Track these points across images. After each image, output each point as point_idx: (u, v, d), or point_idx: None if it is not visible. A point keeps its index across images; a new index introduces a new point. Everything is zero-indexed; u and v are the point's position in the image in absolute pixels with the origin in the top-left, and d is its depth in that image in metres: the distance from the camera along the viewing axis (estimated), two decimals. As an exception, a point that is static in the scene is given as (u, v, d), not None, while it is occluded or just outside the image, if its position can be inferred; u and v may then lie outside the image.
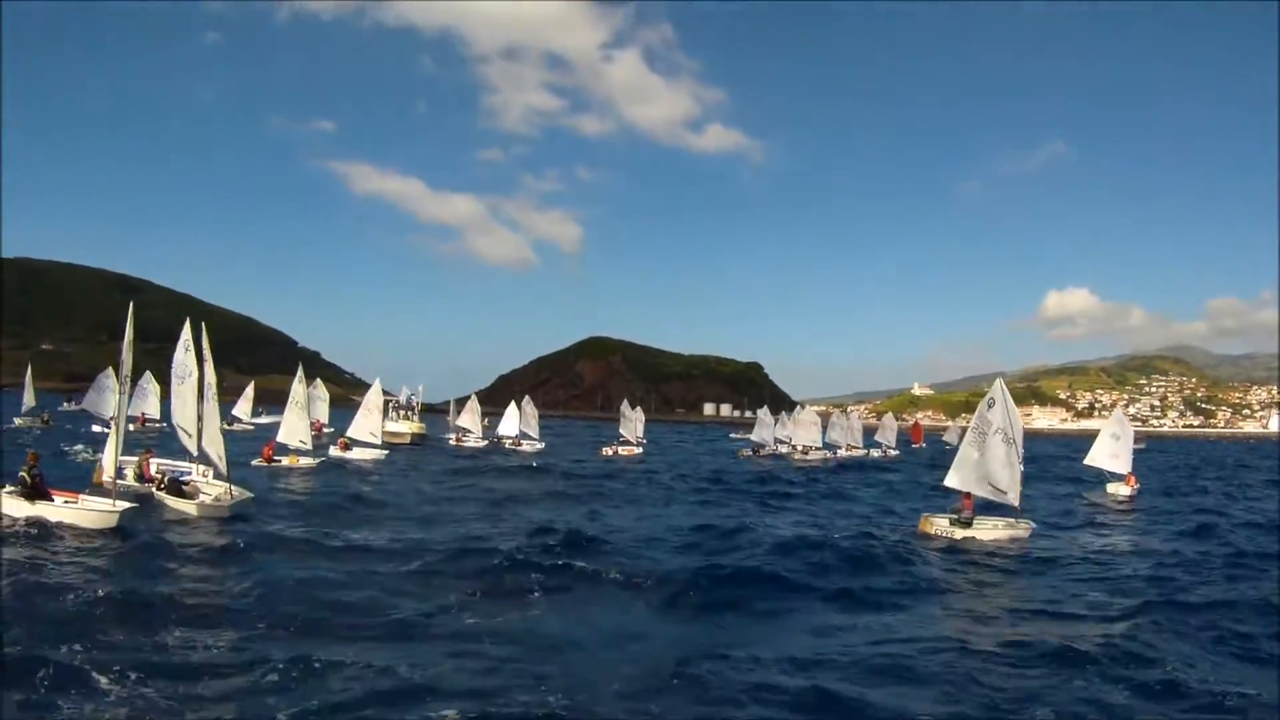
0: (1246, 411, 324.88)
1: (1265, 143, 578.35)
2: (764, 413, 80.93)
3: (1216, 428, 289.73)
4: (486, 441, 71.89)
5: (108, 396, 61.39)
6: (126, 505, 22.55)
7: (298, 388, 44.20)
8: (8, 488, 22.31)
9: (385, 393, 71.10)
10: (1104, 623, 16.82)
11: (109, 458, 24.83)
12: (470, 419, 74.73)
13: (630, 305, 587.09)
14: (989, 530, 28.56)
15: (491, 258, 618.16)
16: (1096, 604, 18.71)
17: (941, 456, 78.40)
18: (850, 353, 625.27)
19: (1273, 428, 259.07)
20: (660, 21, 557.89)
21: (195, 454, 27.42)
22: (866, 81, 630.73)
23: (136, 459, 30.62)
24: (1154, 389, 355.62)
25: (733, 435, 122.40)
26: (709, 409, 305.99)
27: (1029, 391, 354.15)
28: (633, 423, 74.52)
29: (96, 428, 57.50)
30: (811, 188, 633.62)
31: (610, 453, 67.69)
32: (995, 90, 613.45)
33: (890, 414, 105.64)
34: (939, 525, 28.92)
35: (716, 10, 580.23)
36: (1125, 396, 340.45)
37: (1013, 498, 28.60)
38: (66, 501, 22.43)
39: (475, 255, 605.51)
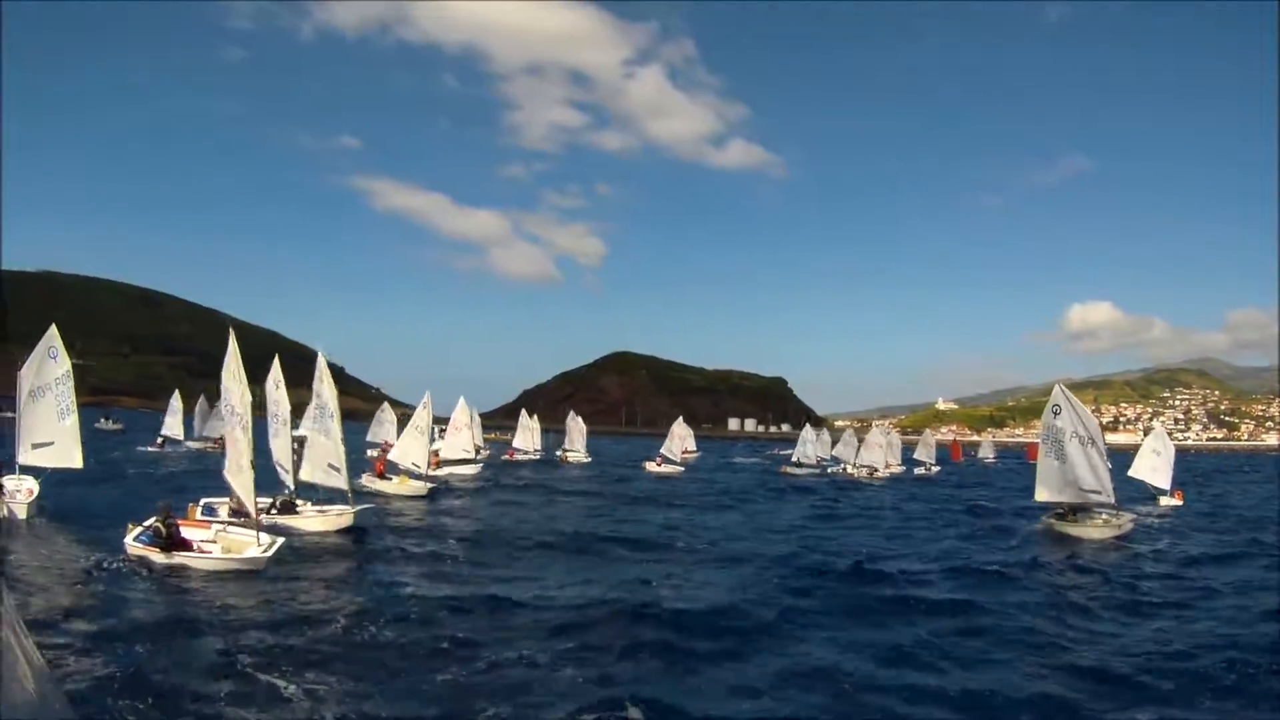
0: (1270, 424, 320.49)
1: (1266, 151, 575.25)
2: (808, 430, 79.81)
3: (1240, 440, 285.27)
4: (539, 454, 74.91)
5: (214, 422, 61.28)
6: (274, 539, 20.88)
7: (421, 412, 43.50)
8: (135, 534, 20.08)
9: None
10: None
11: (246, 494, 21.83)
12: (527, 437, 76.51)
13: (653, 320, 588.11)
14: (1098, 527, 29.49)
15: (514, 273, 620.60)
16: None
17: (986, 475, 77.13)
18: (873, 367, 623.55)
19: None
20: (682, 38, 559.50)
21: (292, 488, 26.02)
22: (888, 96, 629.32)
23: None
24: (1178, 402, 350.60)
25: (768, 452, 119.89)
26: (733, 424, 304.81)
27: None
28: (678, 440, 76.91)
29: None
30: (833, 202, 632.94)
31: (656, 466, 67.01)
32: (1015, 104, 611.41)
33: (929, 430, 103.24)
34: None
35: (738, 27, 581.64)
36: (1149, 410, 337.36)
37: (1105, 495, 29.10)
38: (203, 545, 20.29)
39: (498, 270, 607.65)
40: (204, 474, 39.12)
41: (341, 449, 26.91)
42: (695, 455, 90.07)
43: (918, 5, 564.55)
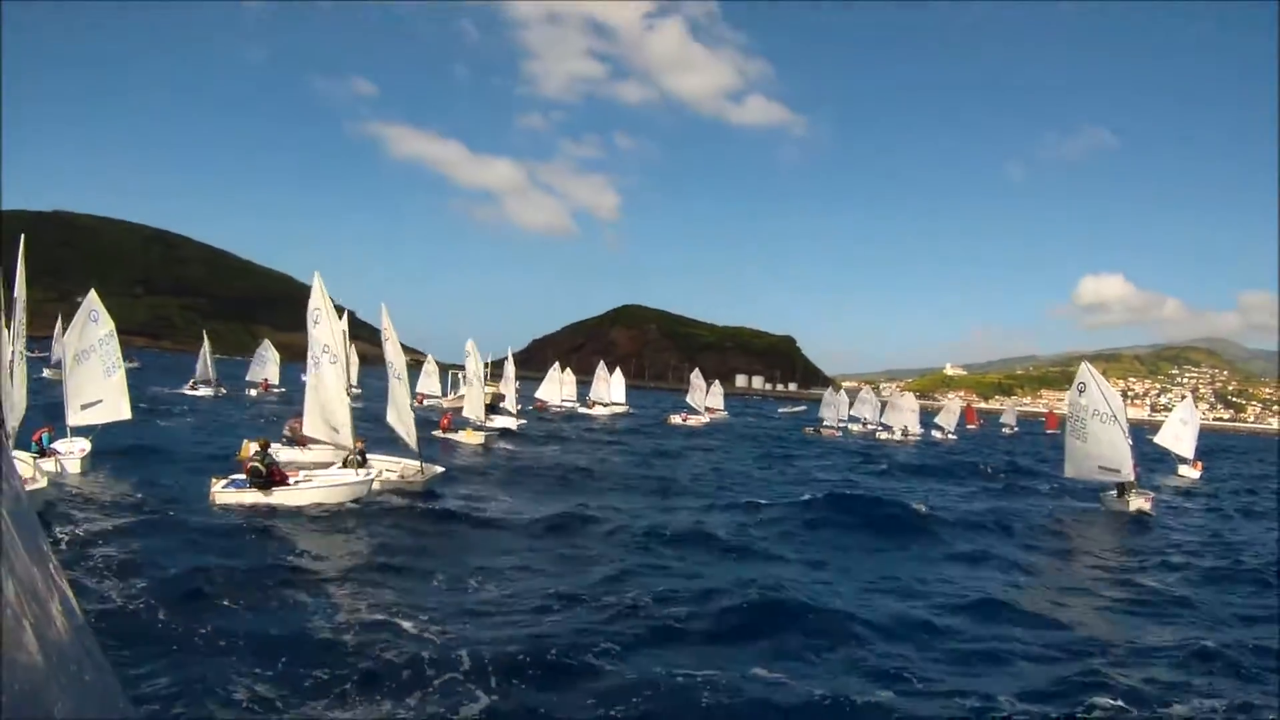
0: (1277, 407, 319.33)
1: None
2: (830, 392, 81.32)
3: (1247, 422, 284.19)
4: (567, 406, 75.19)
5: (269, 367, 69.63)
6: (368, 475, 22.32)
7: (470, 363, 44.20)
8: (226, 481, 20.24)
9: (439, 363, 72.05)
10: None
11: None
12: (552, 388, 76.56)
13: (665, 274, 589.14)
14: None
15: (529, 223, 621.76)
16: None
17: (1008, 442, 77.03)
18: (883, 330, 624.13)
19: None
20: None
21: (414, 448, 25.81)
22: (912, 62, 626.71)
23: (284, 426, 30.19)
24: (1186, 379, 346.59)
25: (781, 410, 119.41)
26: (740, 381, 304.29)
27: (1063, 376, 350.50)
28: (700, 392, 78.51)
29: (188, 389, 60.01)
30: (852, 165, 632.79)
31: (680, 420, 69.63)
32: (1040, 76, 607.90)
33: (953, 395, 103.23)
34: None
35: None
36: (1158, 386, 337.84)
37: (1126, 472, 29.15)
38: (298, 479, 21.08)
39: (513, 220, 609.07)
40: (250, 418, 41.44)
41: (407, 407, 26.10)
42: (721, 415, 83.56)
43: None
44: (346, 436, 23.73)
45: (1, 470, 1.33)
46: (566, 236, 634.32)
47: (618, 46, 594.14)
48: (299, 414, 26.94)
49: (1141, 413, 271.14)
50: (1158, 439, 48.80)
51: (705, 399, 79.18)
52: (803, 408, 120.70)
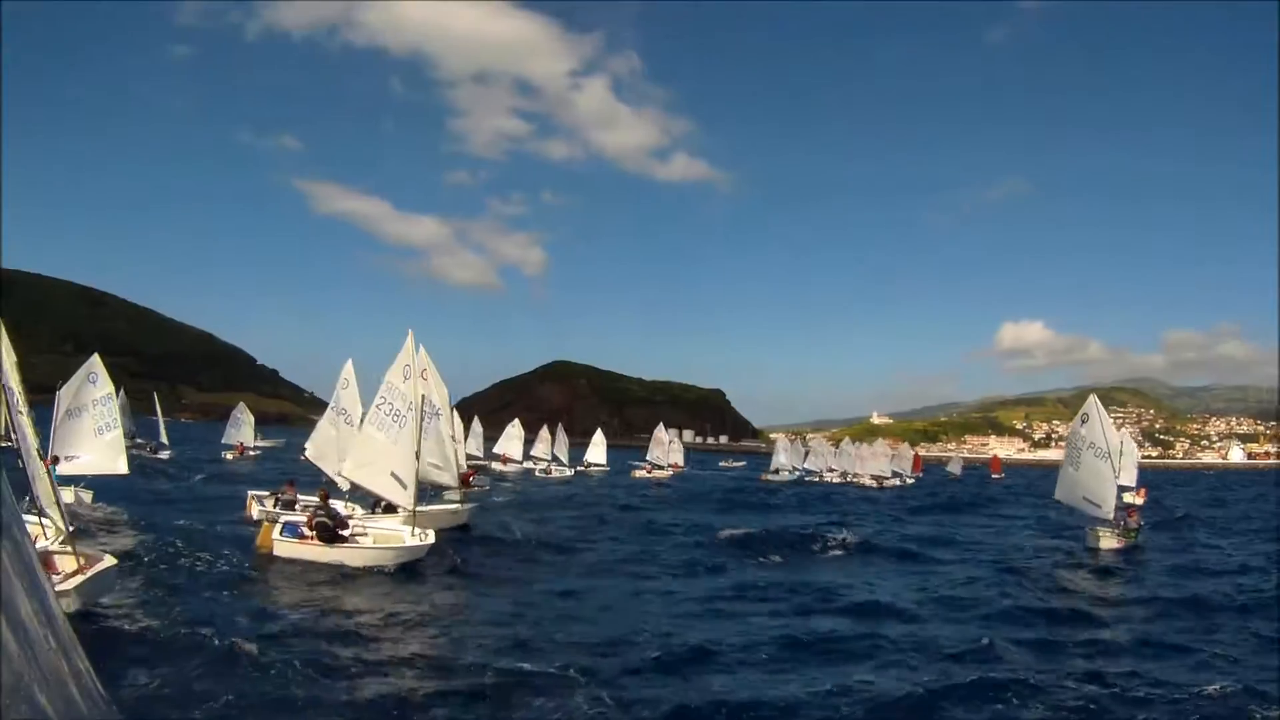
0: (1205, 442, 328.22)
1: (1216, 180, 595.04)
2: (782, 440, 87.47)
3: (1176, 459, 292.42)
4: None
5: (244, 430, 69.09)
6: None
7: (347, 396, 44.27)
8: (281, 525, 19.72)
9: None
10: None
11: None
12: (513, 446, 73.23)
13: (593, 330, 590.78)
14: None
15: (456, 280, 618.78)
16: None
17: (980, 487, 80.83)
18: (808, 381, 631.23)
19: (1233, 459, 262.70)
20: (628, 51, 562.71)
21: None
22: (833, 114, 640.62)
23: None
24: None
25: (721, 464, 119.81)
26: (669, 434, 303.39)
27: (986, 422, 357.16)
28: (664, 446, 79.92)
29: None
30: (775, 219, 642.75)
31: (646, 474, 71.50)
32: (959, 127, 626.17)
33: (906, 444, 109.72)
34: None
35: (682, 41, 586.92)
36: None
37: (1107, 510, 29.41)
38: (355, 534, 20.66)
39: (439, 277, 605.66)
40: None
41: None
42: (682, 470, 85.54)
43: (859, 28, 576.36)
44: (411, 496, 22.46)
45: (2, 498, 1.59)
46: (493, 293, 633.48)
47: (544, 104, 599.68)
48: (292, 480, 27.50)
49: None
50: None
51: (668, 454, 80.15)
52: (743, 462, 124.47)
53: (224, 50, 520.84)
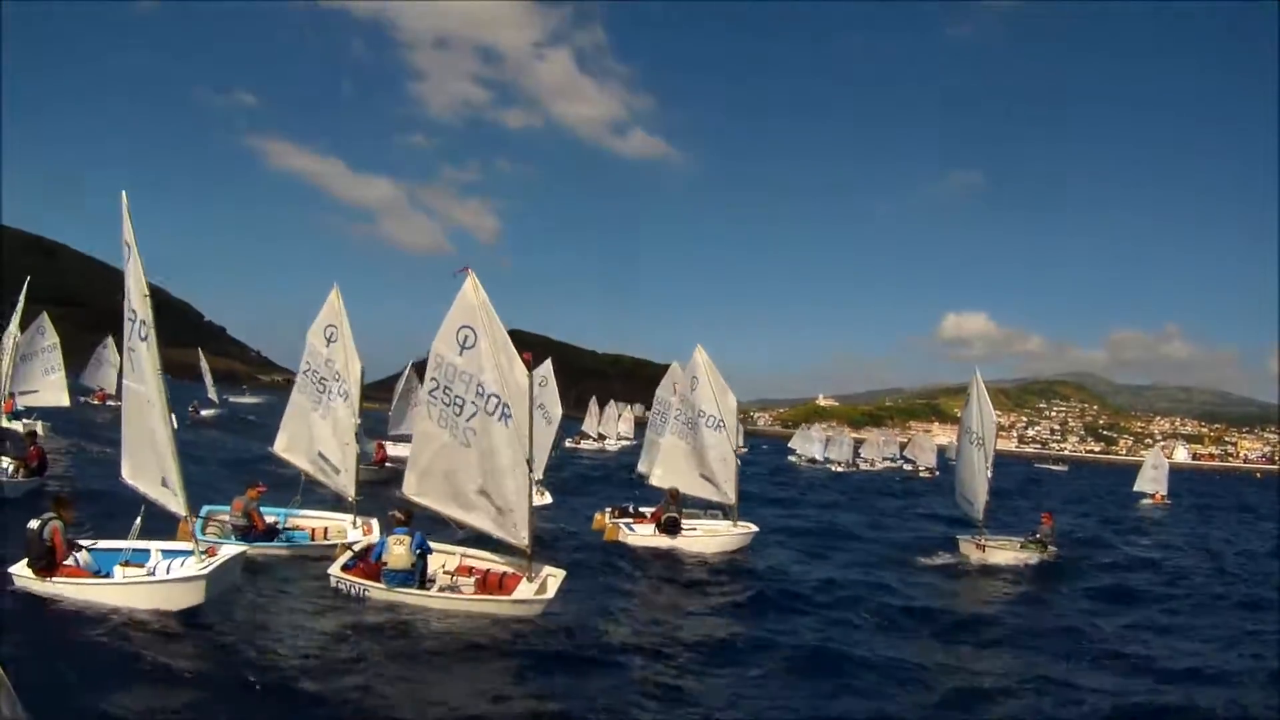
0: (1149, 441, 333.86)
1: (1163, 185, 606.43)
2: (815, 429, 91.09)
3: (1120, 455, 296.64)
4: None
5: (106, 371, 54.31)
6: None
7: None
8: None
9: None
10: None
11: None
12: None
13: (546, 300, 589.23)
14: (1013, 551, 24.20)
15: (406, 243, 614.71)
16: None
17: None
18: (753, 359, 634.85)
19: (1179, 458, 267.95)
20: (594, 25, 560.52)
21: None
22: (792, 100, 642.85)
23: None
24: (1054, 413, 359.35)
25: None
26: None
27: (927, 408, 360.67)
28: (595, 418, 77.90)
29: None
30: (729, 199, 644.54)
31: (576, 443, 66.55)
32: (915, 118, 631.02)
33: (922, 433, 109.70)
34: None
35: (649, 19, 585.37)
36: (1024, 419, 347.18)
37: (977, 510, 24.06)
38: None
39: (390, 239, 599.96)
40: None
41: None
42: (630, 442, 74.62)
43: (824, 20, 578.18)
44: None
45: None
46: (444, 258, 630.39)
47: (505, 73, 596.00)
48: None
49: (1009, 444, 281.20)
50: (1137, 487, 59.87)
51: (617, 426, 79.13)
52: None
53: (188, 6, 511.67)
